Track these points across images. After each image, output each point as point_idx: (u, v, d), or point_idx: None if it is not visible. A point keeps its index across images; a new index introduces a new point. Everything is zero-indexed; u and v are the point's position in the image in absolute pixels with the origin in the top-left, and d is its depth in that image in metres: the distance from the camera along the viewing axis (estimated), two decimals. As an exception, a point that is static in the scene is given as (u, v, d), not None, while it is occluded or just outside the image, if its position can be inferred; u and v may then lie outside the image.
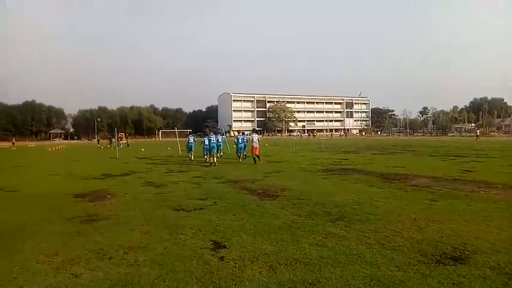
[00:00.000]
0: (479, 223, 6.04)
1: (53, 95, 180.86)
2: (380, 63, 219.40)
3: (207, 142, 19.26)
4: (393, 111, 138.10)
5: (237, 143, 20.51)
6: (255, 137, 19.11)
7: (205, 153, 19.77)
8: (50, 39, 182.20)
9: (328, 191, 9.52)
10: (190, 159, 21.63)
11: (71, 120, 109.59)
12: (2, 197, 9.81)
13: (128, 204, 8.34)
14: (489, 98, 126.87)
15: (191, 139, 22.77)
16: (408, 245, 4.96)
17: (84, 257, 4.76)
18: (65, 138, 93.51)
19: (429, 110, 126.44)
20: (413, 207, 7.34)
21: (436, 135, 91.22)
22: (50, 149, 41.50)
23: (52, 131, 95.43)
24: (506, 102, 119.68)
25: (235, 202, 8.25)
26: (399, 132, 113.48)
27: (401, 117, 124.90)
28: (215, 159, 18.72)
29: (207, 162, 19.00)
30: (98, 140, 60.37)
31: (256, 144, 18.69)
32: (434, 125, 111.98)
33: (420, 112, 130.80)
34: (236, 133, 24.57)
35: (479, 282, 3.76)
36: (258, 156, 18.45)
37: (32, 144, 64.99)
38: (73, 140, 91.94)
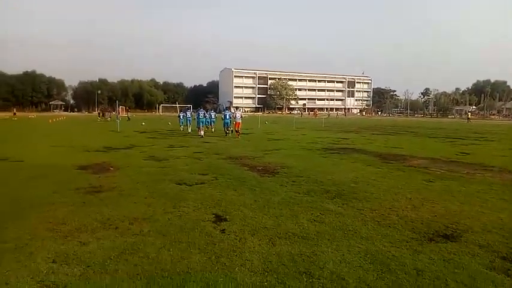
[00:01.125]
0: (473, 204, 6.23)
1: (53, 66, 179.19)
2: (384, 42, 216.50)
3: (199, 116, 22.45)
4: (395, 91, 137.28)
5: (224, 119, 22.54)
6: (238, 113, 22.14)
7: (197, 127, 22.19)
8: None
9: (327, 170, 9.70)
10: (188, 131, 23.91)
11: (72, 91, 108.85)
12: (8, 167, 9.97)
13: (130, 177, 8.51)
14: (492, 80, 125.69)
15: (188, 114, 25.78)
16: (402, 223, 5.16)
17: (90, 226, 4.94)
18: (65, 110, 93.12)
19: (431, 92, 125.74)
20: (410, 187, 7.52)
21: (437, 117, 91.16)
22: (50, 121, 41.53)
23: (52, 102, 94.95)
24: (509, 86, 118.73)
25: (235, 178, 8.43)
26: (399, 113, 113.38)
27: (403, 97, 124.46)
28: (202, 132, 21.55)
29: (200, 136, 20.89)
30: (99, 113, 60.21)
31: (238, 120, 21.59)
32: (435, 107, 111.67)
33: (422, 93, 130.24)
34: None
35: (468, 259, 3.96)
36: (238, 131, 21.11)
37: (32, 115, 64.86)
38: (73, 112, 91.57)
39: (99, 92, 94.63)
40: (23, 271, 3.61)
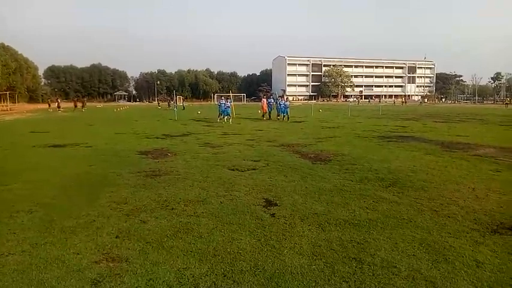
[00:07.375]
0: (547, 196, 5.69)
1: (116, 58, 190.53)
2: (449, 24, 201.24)
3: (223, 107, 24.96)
4: (461, 76, 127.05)
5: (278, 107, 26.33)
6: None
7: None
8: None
9: (383, 158, 9.36)
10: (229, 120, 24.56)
11: (133, 82, 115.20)
12: (80, 152, 10.90)
13: (187, 162, 8.89)
14: None
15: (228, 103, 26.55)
16: (463, 214, 4.86)
17: (149, 207, 5.28)
18: (128, 100, 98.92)
19: (503, 76, 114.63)
20: (474, 177, 7.04)
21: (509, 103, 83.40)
22: (115, 110, 44.40)
23: (117, 93, 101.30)
24: None
25: (287, 164, 8.45)
26: (466, 100, 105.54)
27: (470, 83, 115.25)
28: (231, 119, 24.00)
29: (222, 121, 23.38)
30: (158, 102, 63.32)
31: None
32: (508, 93, 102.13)
33: (492, 78, 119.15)
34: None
35: (537, 254, 3.65)
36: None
37: (99, 105, 69.81)
38: (135, 101, 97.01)
39: (158, 82, 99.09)
40: (91, 244, 3.96)
